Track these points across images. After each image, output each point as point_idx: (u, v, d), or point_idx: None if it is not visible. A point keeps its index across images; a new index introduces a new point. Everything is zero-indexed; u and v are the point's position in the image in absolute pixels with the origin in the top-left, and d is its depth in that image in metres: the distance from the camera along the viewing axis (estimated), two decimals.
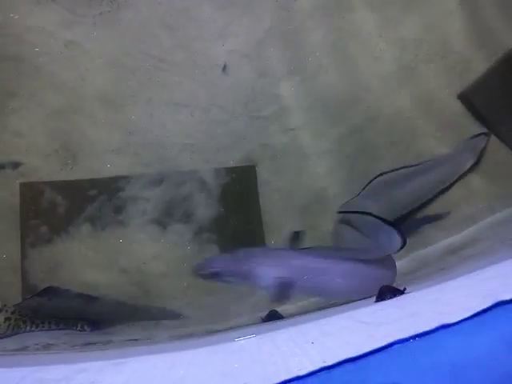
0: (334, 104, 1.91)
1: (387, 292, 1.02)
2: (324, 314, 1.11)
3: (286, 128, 1.88)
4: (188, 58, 1.84)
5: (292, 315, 1.40)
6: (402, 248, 1.40)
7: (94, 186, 1.76)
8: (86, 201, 1.75)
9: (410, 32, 1.94)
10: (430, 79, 1.93)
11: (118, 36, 1.82)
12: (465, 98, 1.89)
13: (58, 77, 1.78)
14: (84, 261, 1.69)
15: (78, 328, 1.50)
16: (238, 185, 1.84)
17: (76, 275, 1.66)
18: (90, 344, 1.38)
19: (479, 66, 1.90)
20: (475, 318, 0.58)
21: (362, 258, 1.46)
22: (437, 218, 1.84)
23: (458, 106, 1.91)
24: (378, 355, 0.54)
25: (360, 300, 1.18)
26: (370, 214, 1.56)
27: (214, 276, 1.49)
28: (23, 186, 1.73)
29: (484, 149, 1.85)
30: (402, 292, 1.01)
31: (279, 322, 1.22)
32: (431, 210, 1.83)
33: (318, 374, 0.55)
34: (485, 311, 0.62)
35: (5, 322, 1.38)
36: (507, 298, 0.63)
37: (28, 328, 1.44)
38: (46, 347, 1.38)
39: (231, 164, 1.83)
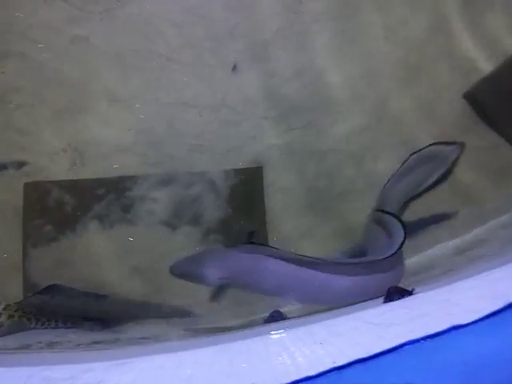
0: (340, 104, 1.90)
1: (395, 293, 1.01)
2: (331, 314, 1.10)
3: (294, 127, 1.88)
4: (197, 57, 1.84)
5: (299, 316, 1.40)
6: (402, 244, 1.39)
7: (101, 185, 1.76)
8: (94, 200, 1.75)
9: (416, 32, 1.94)
10: (436, 79, 1.92)
11: (124, 33, 1.81)
12: (470, 97, 1.87)
13: (64, 73, 1.78)
14: (92, 259, 1.69)
15: (86, 327, 1.50)
16: (246, 186, 1.83)
17: (84, 273, 1.66)
18: (95, 343, 1.38)
19: (485, 65, 1.89)
20: (487, 320, 0.57)
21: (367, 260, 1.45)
22: (444, 217, 1.82)
23: (463, 106, 1.90)
24: (389, 356, 0.53)
25: (367, 301, 1.17)
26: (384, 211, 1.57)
27: (184, 277, 1.53)
28: (27, 186, 1.72)
29: (456, 159, 1.81)
30: (410, 293, 1.00)
31: (285, 322, 1.22)
32: (439, 209, 1.82)
33: (329, 374, 0.54)
34: (496, 313, 0.62)
35: (8, 320, 1.39)
36: None
37: (33, 325, 1.44)
38: (50, 345, 1.38)
39: (240, 165, 1.83)
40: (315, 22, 1.91)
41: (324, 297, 1.43)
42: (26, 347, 1.35)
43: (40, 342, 1.39)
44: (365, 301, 1.16)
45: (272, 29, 1.89)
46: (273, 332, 0.96)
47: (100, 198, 1.75)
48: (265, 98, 1.88)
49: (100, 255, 1.71)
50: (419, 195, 1.82)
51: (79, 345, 1.36)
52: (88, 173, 1.77)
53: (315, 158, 1.87)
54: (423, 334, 0.56)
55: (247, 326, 1.51)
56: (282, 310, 1.51)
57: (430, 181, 1.79)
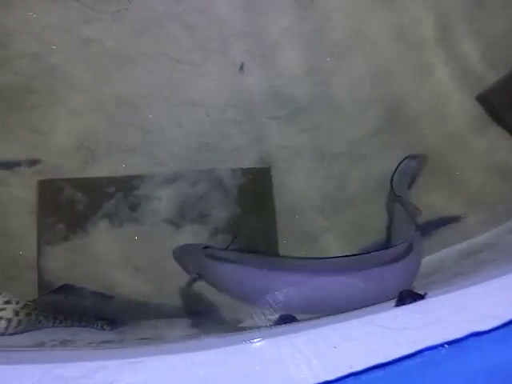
0: (350, 105, 1.90)
1: (407, 296, 1.00)
2: (342, 317, 1.09)
3: (302, 129, 1.87)
4: (205, 58, 1.84)
5: (308, 318, 1.40)
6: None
7: (111, 183, 1.77)
8: (104, 198, 1.76)
9: (428, 33, 1.92)
10: (448, 81, 1.91)
11: (136, 34, 1.82)
12: (484, 99, 1.86)
13: (76, 74, 1.79)
14: (100, 258, 1.70)
15: (98, 327, 1.51)
16: (254, 186, 1.83)
17: (92, 273, 1.67)
18: (105, 342, 1.39)
19: (498, 68, 1.87)
20: (506, 327, 0.57)
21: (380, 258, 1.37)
22: (453, 220, 1.81)
23: (474, 108, 1.89)
24: (408, 362, 0.53)
25: (378, 304, 1.17)
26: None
27: (178, 262, 1.54)
28: (41, 183, 1.74)
29: (419, 171, 1.83)
30: (422, 297, 1.00)
31: (295, 325, 1.21)
32: (447, 212, 1.81)
33: (347, 379, 0.54)
34: None
35: (25, 317, 1.40)
36: None
37: (51, 324, 1.45)
38: (64, 343, 1.39)
39: (246, 165, 1.83)
40: (326, 20, 1.90)
41: (326, 300, 1.31)
42: (40, 345, 1.36)
43: (54, 340, 1.40)
44: (377, 303, 1.15)
45: (281, 27, 1.88)
46: (283, 334, 0.95)
47: (110, 196, 1.76)
48: (272, 98, 1.88)
49: (108, 255, 1.72)
50: None
51: (90, 343, 1.37)
52: (98, 171, 1.78)
53: (325, 161, 1.86)
54: (441, 341, 0.56)
55: (254, 327, 1.51)
56: None
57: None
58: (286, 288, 1.26)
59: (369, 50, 1.92)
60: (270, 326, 1.34)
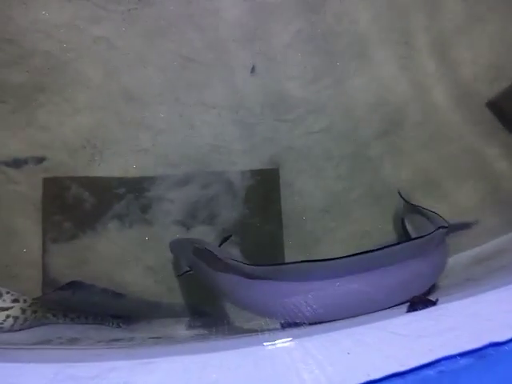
0: (359, 108, 1.90)
1: (419, 303, 1.00)
2: (353, 322, 1.10)
3: (311, 131, 1.88)
4: (217, 59, 1.84)
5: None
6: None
7: (122, 184, 1.77)
8: (114, 198, 1.76)
9: (438, 39, 1.92)
10: (458, 86, 1.90)
11: (146, 34, 1.82)
12: (494, 105, 1.86)
13: (86, 73, 1.80)
14: (109, 257, 1.71)
15: (114, 325, 1.52)
16: (262, 187, 1.84)
17: (100, 271, 1.68)
18: (114, 340, 1.39)
19: (510, 73, 1.87)
20: None
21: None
22: (464, 226, 1.81)
23: (485, 113, 1.88)
24: (427, 371, 0.53)
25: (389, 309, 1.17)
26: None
27: (174, 253, 1.59)
28: (47, 181, 1.74)
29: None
30: (434, 303, 1.00)
31: (305, 328, 1.20)
32: (458, 218, 1.80)
33: None
34: None
35: (32, 315, 1.41)
36: None
37: (61, 321, 1.47)
38: (71, 341, 1.40)
39: (256, 166, 1.83)
40: (337, 24, 1.90)
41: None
42: (46, 342, 1.37)
43: (60, 338, 1.41)
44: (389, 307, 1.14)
45: (292, 30, 1.88)
46: (294, 337, 0.95)
47: (120, 197, 1.77)
48: (283, 101, 1.88)
49: (118, 254, 1.73)
50: None
51: (99, 342, 1.37)
52: (107, 171, 1.78)
53: (334, 162, 1.86)
54: (459, 350, 0.56)
55: (263, 329, 1.51)
56: None
57: None
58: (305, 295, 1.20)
59: (378, 54, 1.92)
60: (279, 328, 1.35)
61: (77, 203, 1.75)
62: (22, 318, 1.40)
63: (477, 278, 1.41)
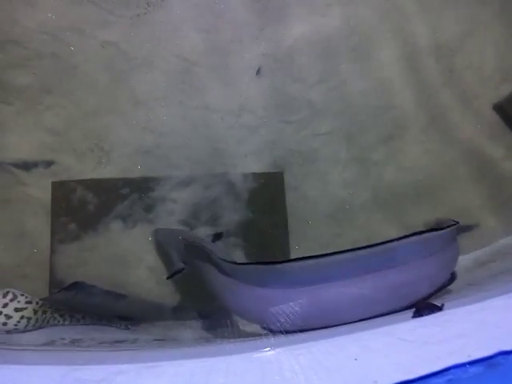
0: (364, 111, 1.90)
1: (425, 308, 1.00)
2: (357, 326, 1.09)
3: (316, 134, 1.88)
4: (221, 61, 1.85)
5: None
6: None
7: (126, 184, 1.79)
8: (118, 199, 1.78)
9: (445, 41, 1.92)
10: (465, 89, 1.90)
11: (153, 38, 1.83)
12: (500, 108, 1.85)
13: (93, 76, 1.81)
14: (113, 258, 1.72)
15: (122, 327, 1.53)
16: (266, 190, 1.83)
17: (105, 272, 1.69)
18: (118, 342, 1.39)
19: None
20: None
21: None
22: (465, 229, 1.80)
23: (491, 116, 1.88)
24: (436, 379, 0.53)
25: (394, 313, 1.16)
26: None
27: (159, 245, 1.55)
28: (55, 185, 1.76)
29: None
30: (440, 309, 0.99)
31: (309, 333, 1.20)
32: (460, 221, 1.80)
33: None
34: None
35: (41, 316, 1.43)
36: None
37: (67, 322, 1.48)
38: (74, 342, 1.40)
39: (260, 169, 1.83)
40: (343, 27, 1.90)
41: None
42: (50, 343, 1.38)
43: (63, 339, 1.41)
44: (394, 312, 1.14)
45: (297, 32, 1.88)
46: (300, 342, 0.95)
47: (124, 197, 1.78)
48: (287, 103, 1.88)
49: (120, 255, 1.74)
50: None
51: (102, 343, 1.38)
52: (113, 172, 1.80)
53: (339, 166, 1.86)
54: (468, 358, 0.56)
55: (267, 333, 1.51)
56: None
57: None
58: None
59: (384, 57, 1.92)
60: (283, 332, 1.34)
61: (84, 206, 1.76)
62: (34, 319, 1.43)
63: (479, 283, 1.40)
